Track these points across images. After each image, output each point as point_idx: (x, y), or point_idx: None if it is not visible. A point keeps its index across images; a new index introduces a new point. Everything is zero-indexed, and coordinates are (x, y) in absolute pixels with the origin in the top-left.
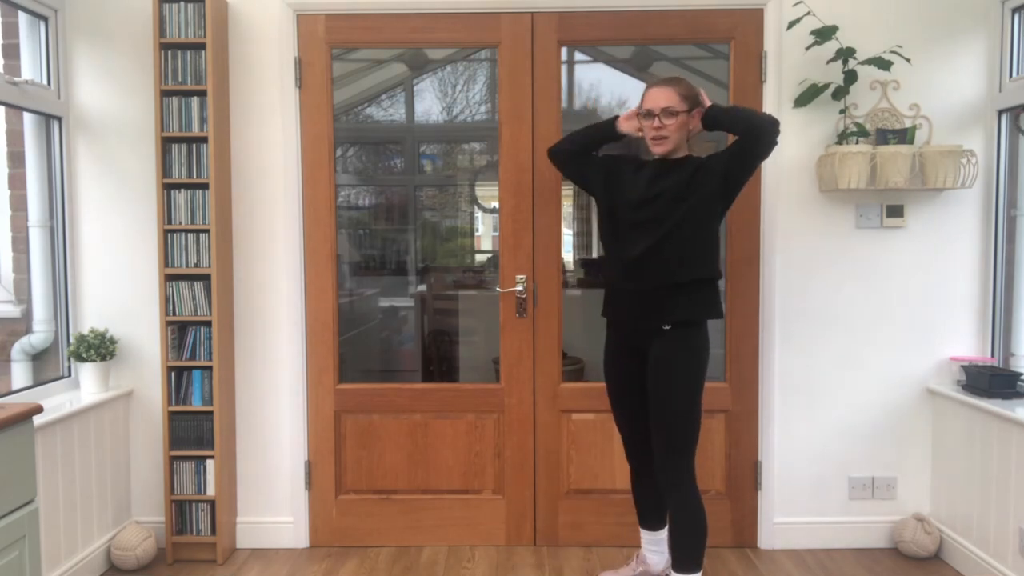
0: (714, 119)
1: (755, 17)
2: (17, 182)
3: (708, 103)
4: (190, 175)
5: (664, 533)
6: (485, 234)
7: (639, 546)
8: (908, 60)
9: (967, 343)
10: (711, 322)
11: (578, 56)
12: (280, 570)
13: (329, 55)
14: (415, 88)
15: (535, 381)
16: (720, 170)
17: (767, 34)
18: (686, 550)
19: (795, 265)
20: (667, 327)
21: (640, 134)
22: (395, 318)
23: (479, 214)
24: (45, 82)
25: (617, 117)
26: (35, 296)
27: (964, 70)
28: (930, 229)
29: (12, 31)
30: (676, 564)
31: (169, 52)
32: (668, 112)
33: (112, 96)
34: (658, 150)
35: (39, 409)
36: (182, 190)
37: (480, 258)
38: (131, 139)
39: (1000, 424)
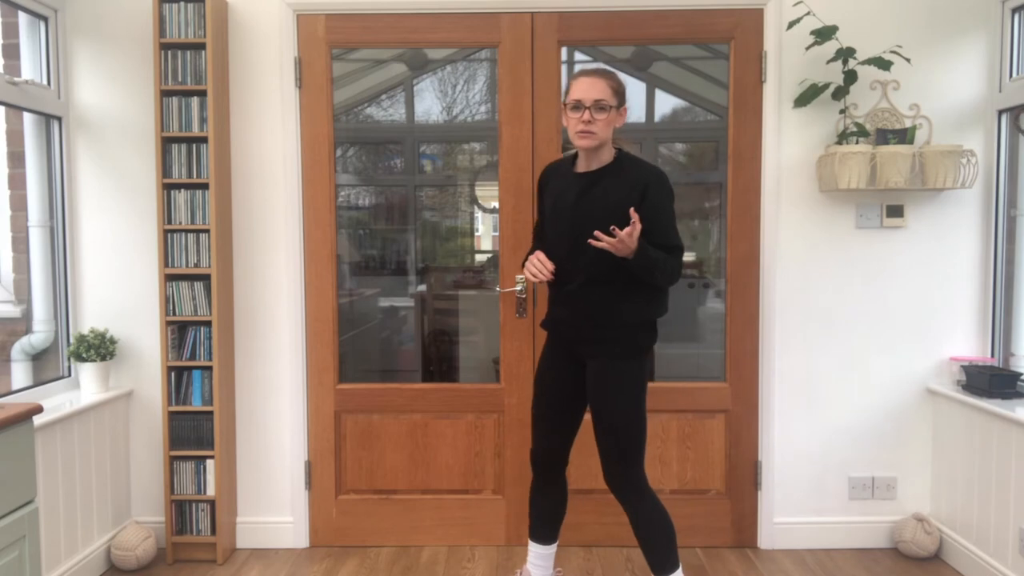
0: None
1: (755, 17)
2: (17, 182)
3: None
4: (190, 175)
5: (553, 548)
6: (485, 234)
7: (639, 546)
8: (908, 60)
9: (967, 343)
10: (710, 322)
11: (578, 56)
12: (280, 570)
13: (329, 55)
14: (415, 88)
15: None
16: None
17: (767, 34)
18: (663, 552)
19: (795, 265)
20: (607, 339)
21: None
22: (395, 318)
23: (479, 214)
24: (45, 82)
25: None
26: (35, 296)
27: (964, 70)
28: (930, 229)
29: (12, 31)
30: (657, 568)
31: (169, 52)
32: (599, 106)
33: (112, 96)
34: (584, 144)
35: (39, 409)
36: (182, 190)
37: (480, 258)
38: (131, 139)
39: (1000, 424)
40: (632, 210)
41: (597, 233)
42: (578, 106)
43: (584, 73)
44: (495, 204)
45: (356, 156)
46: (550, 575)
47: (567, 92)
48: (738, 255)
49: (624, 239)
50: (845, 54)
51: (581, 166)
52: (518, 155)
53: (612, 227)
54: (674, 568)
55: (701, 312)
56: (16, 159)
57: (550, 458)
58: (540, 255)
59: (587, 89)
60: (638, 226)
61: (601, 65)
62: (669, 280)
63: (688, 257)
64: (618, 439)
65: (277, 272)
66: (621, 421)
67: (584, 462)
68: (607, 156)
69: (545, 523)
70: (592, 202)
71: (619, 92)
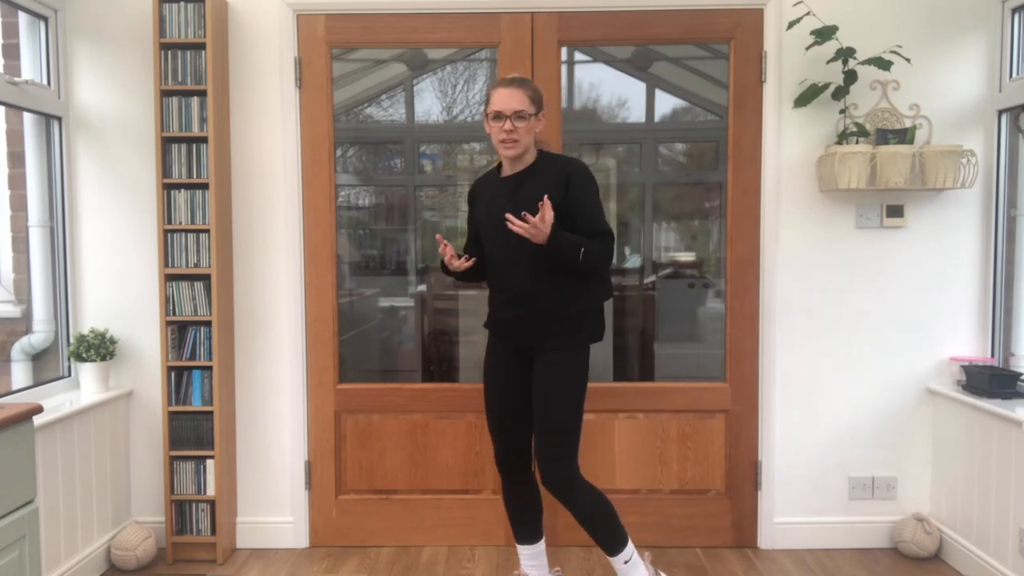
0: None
1: (755, 17)
2: (17, 182)
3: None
4: (190, 175)
5: (541, 546)
6: None
7: (636, 545)
8: (908, 60)
9: (967, 343)
10: (710, 322)
11: (578, 56)
12: (280, 570)
13: (329, 55)
14: (415, 88)
15: None
16: (568, 208)
17: (767, 34)
18: (609, 534)
19: (795, 265)
20: (552, 333)
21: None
22: (395, 318)
23: None
24: (45, 82)
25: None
26: (35, 296)
27: (964, 70)
28: (930, 229)
29: (12, 31)
30: (608, 548)
31: (169, 52)
32: (519, 115)
33: (112, 96)
34: (509, 153)
35: (39, 409)
36: (182, 190)
37: None
38: (131, 139)
39: (1000, 424)
40: (547, 197)
41: (509, 217)
42: (499, 116)
43: (502, 84)
44: None
45: (356, 156)
46: (547, 574)
47: (487, 102)
48: (738, 255)
49: (537, 224)
50: (845, 54)
51: (507, 171)
52: None
53: (524, 213)
54: (624, 543)
55: (701, 312)
56: (16, 159)
57: (513, 459)
58: (442, 249)
59: (506, 100)
60: (549, 210)
61: (518, 75)
62: (597, 263)
63: (688, 257)
64: (560, 439)
65: (277, 272)
66: (565, 422)
67: (583, 461)
68: (530, 158)
69: (524, 525)
70: (520, 203)
71: (536, 100)
